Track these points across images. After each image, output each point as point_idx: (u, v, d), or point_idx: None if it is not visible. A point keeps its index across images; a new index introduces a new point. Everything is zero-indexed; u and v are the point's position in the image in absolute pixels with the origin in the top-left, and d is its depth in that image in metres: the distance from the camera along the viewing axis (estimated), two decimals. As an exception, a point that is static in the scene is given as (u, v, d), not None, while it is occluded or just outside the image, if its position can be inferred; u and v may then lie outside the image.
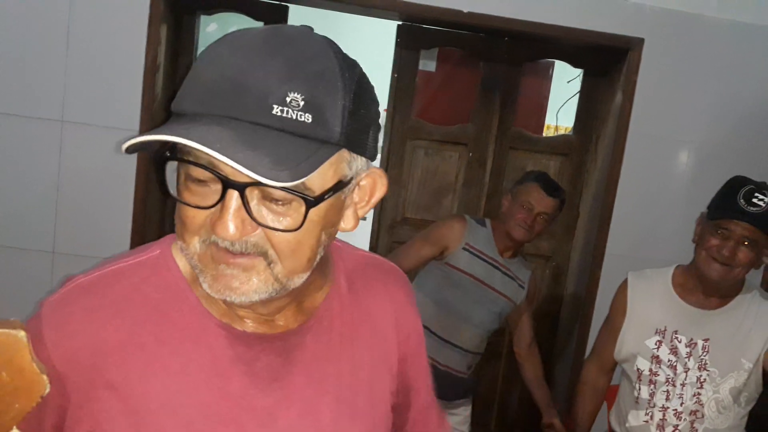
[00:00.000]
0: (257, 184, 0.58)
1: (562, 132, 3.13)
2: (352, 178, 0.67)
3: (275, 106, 0.59)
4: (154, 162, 0.65)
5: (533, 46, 2.62)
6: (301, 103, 0.59)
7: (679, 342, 1.67)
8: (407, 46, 2.64)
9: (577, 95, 2.76)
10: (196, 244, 0.65)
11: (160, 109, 2.32)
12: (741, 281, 1.66)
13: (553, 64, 2.99)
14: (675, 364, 1.67)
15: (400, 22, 2.59)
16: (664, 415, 1.68)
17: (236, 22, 2.70)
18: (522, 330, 2.29)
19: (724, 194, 1.60)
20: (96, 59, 2.18)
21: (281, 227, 0.62)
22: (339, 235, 0.74)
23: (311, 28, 0.68)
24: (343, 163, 0.65)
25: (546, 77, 3.05)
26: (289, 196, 0.61)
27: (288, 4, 2.49)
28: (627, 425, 1.75)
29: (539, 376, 2.28)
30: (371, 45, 2.82)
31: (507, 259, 2.18)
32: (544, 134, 3.11)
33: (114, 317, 0.69)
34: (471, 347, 2.17)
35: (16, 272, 2.24)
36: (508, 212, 2.15)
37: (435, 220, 2.52)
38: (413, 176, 2.74)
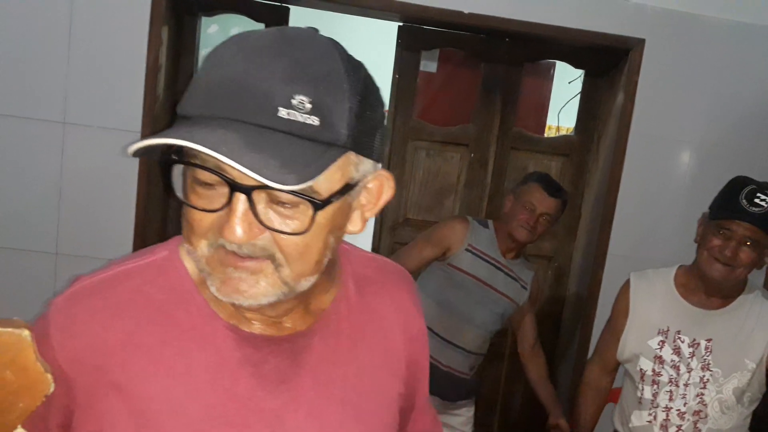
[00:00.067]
0: (264, 187, 0.58)
1: (563, 132, 3.13)
2: (359, 181, 0.67)
3: (281, 109, 0.58)
4: (160, 165, 0.64)
5: (534, 47, 2.62)
6: (308, 106, 0.59)
7: (682, 342, 1.67)
8: (408, 47, 2.64)
9: (579, 96, 2.76)
10: (203, 247, 0.65)
11: (161, 110, 2.32)
12: (743, 281, 1.66)
13: (554, 64, 2.99)
14: (678, 364, 1.67)
15: (400, 23, 2.59)
16: (667, 415, 1.68)
17: (237, 23, 2.71)
18: (525, 331, 2.29)
19: (726, 194, 1.60)
20: (97, 60, 2.18)
21: (288, 230, 0.62)
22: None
23: (316, 30, 0.67)
24: (350, 165, 0.65)
25: (547, 78, 3.05)
26: (296, 199, 0.61)
27: (289, 6, 2.49)
28: (630, 425, 1.74)
29: (544, 376, 2.28)
30: (372, 46, 2.81)
31: (509, 260, 2.18)
32: (545, 135, 3.11)
33: (119, 318, 0.69)
34: (473, 348, 2.16)
35: (19, 273, 2.24)
36: (510, 213, 2.15)
37: (437, 220, 2.52)
38: (415, 177, 2.74)
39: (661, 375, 1.68)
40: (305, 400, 0.73)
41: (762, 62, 2.44)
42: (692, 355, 1.66)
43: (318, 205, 0.62)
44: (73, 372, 0.67)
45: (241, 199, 0.60)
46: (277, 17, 2.49)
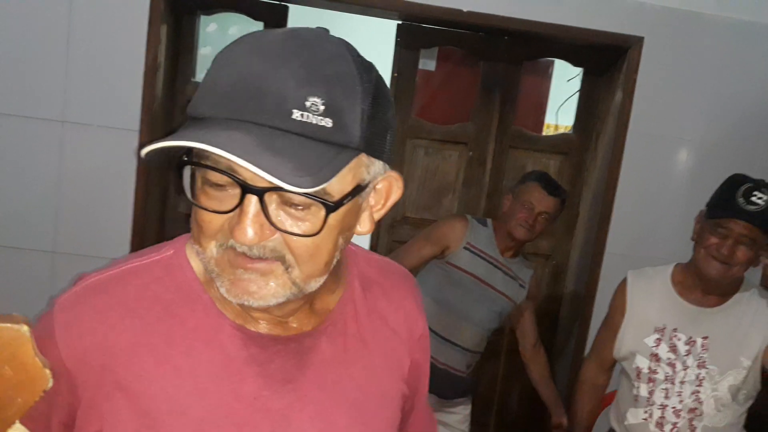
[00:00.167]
0: (276, 189, 0.58)
1: (562, 131, 3.12)
2: (369, 182, 0.67)
3: (295, 111, 0.58)
4: (172, 167, 0.64)
5: (533, 45, 2.62)
6: (321, 108, 0.59)
7: (678, 340, 1.67)
8: (407, 45, 2.64)
9: (577, 94, 2.76)
10: (212, 248, 0.65)
11: (160, 109, 2.32)
12: (740, 279, 1.67)
13: (552, 62, 2.99)
14: (674, 362, 1.67)
15: (399, 22, 2.59)
16: (663, 413, 1.68)
17: (236, 22, 2.70)
18: (526, 330, 2.29)
19: (722, 192, 1.60)
20: (96, 59, 2.18)
21: (300, 232, 0.62)
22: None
23: (327, 30, 0.67)
24: (361, 167, 0.65)
25: (546, 76, 3.05)
26: (308, 200, 0.61)
27: (288, 4, 2.49)
28: (626, 423, 1.75)
29: (546, 375, 2.28)
30: (371, 44, 2.79)
31: (508, 258, 2.18)
32: (543, 133, 3.11)
33: (124, 317, 0.69)
34: (471, 346, 2.17)
35: (17, 272, 2.24)
36: (509, 212, 2.15)
37: (435, 219, 2.53)
38: (413, 175, 2.74)
39: (657, 373, 1.69)
40: (311, 400, 0.73)
41: (762, 61, 2.44)
42: (688, 352, 1.66)
43: (330, 207, 0.62)
44: (77, 371, 0.67)
45: (252, 200, 0.60)
46: (276, 16, 2.49)
